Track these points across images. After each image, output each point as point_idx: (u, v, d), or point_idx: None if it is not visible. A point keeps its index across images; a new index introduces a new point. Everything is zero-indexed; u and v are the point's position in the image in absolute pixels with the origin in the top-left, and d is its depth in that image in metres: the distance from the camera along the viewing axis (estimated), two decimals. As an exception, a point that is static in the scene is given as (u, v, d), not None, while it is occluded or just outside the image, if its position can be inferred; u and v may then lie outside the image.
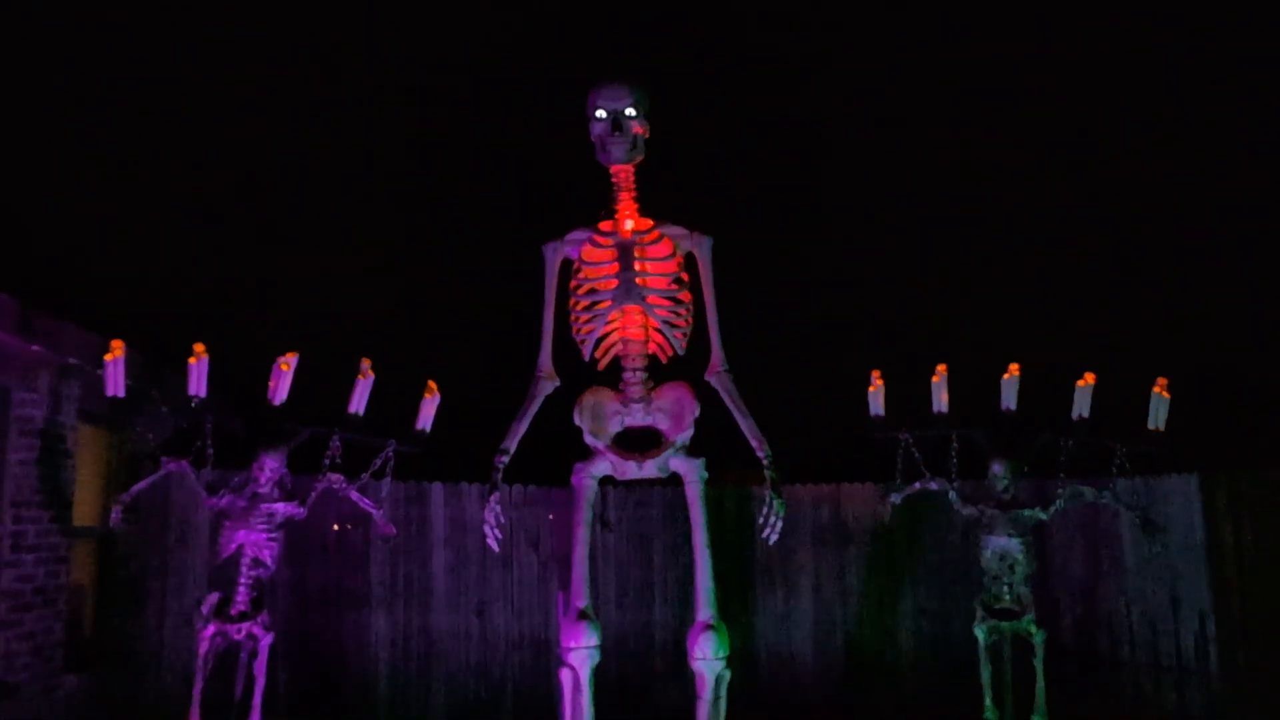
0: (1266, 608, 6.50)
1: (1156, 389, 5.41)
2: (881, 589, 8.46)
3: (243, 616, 5.16)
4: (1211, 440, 6.69)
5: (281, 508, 5.30)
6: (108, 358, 5.24)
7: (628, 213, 5.77)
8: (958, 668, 8.09)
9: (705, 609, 5.55)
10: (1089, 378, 5.48)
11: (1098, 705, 7.33)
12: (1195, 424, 5.79)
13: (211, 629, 5.11)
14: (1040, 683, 5.41)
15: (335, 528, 7.77)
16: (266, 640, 5.19)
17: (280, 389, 5.24)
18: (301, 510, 5.35)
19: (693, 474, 5.69)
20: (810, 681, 8.29)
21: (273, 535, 5.27)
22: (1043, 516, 5.53)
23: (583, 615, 5.42)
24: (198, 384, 5.13)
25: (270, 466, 5.24)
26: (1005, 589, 5.50)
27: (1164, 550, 5.84)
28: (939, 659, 8.25)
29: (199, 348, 5.18)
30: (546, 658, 7.94)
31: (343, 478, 5.40)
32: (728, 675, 5.45)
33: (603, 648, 5.43)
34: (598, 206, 5.82)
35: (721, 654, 5.42)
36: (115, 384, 5.23)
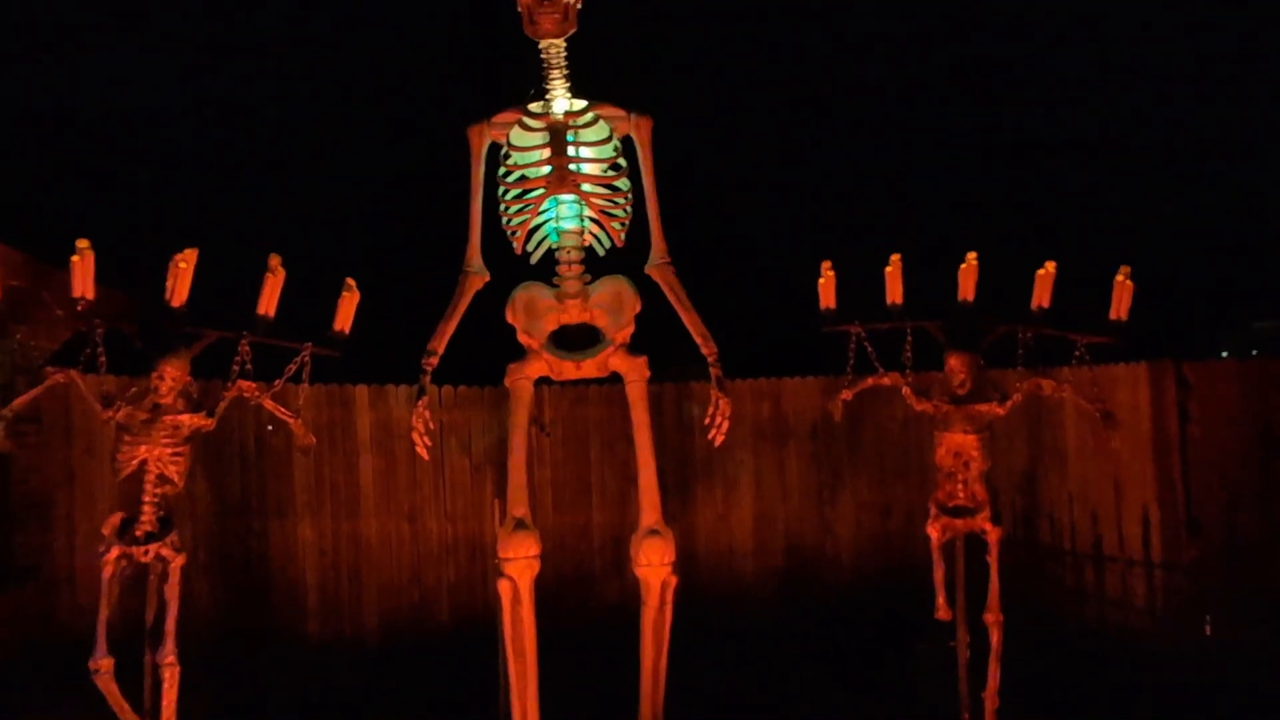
0: (1210, 498, 6.50)
1: (1120, 277, 5.19)
2: (821, 484, 8.37)
3: (150, 538, 4.73)
4: (1159, 329, 6.55)
5: (188, 419, 4.84)
6: (-23, 256, 4.69)
7: (559, 92, 5.28)
8: (899, 562, 8.12)
9: (649, 513, 5.29)
10: (1049, 266, 5.23)
11: (1044, 597, 7.35)
12: (1143, 313, 5.61)
13: (115, 552, 4.69)
14: (993, 580, 5.28)
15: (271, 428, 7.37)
16: (177, 562, 4.78)
17: (179, 289, 4.74)
18: (210, 421, 4.90)
19: (635, 373, 5.33)
20: (751, 579, 8.23)
21: (179, 450, 4.81)
22: (999, 411, 5.33)
23: (520, 524, 5.13)
24: (83, 285, 4.60)
25: (171, 375, 4.76)
26: (960, 486, 5.32)
27: (1120, 444, 5.71)
28: (880, 554, 8.23)
29: (83, 244, 4.63)
30: (481, 562, 7.74)
31: (254, 385, 4.95)
32: (674, 581, 5.23)
33: (541, 555, 5.18)
34: (527, 85, 5.33)
35: (667, 560, 5.19)
36: (-12, 286, 4.69)
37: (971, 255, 5.34)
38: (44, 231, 5.84)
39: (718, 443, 5.27)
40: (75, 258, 4.61)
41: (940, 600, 5.40)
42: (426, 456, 5.33)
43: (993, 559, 5.30)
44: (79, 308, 4.64)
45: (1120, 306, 5.22)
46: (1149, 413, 6.68)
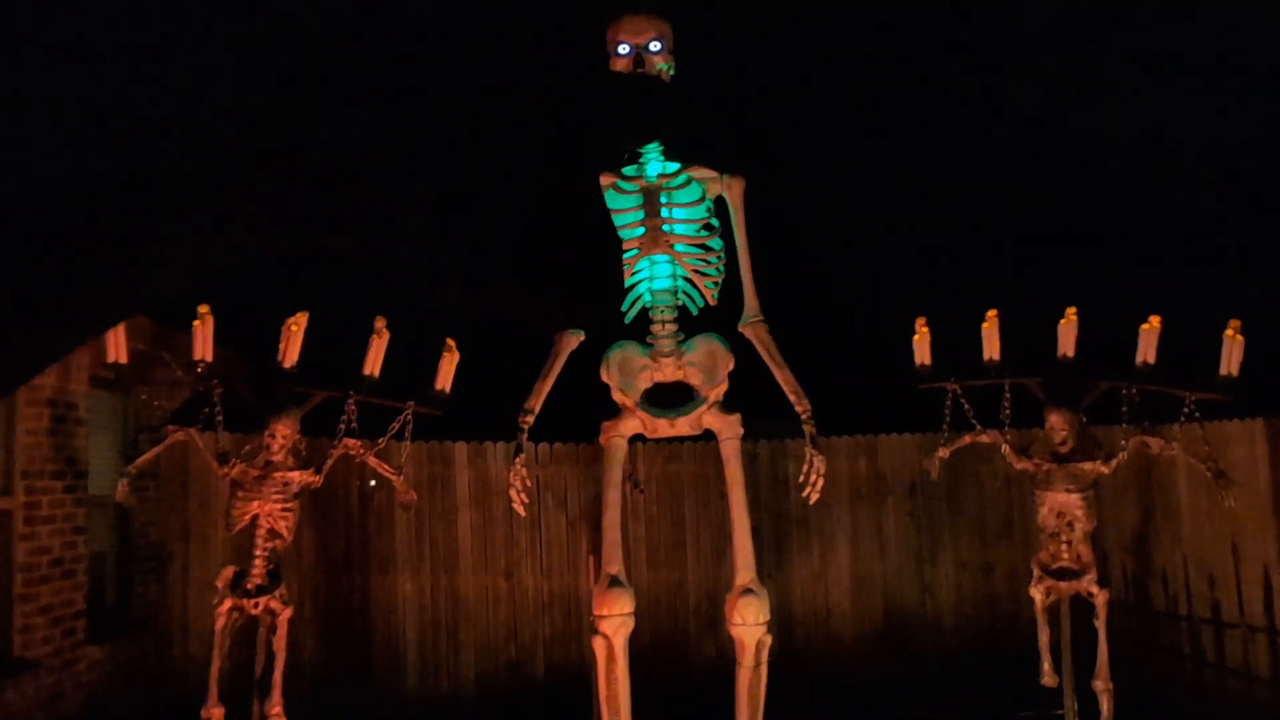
0: (1337, 559, 6.17)
1: (1229, 332, 5.04)
2: (920, 543, 8.20)
3: (259, 590, 4.93)
4: (1276, 383, 6.28)
5: (297, 476, 5.04)
6: (107, 322, 4.97)
7: (653, 155, 5.41)
8: (1002, 625, 7.90)
9: (744, 572, 5.27)
10: (1154, 321, 5.10)
11: (1157, 665, 7.04)
12: (1260, 366, 5.40)
13: (227, 604, 4.89)
14: (1102, 645, 5.11)
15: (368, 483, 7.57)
16: (285, 614, 4.97)
17: (291, 351, 4.97)
18: (318, 478, 5.10)
19: (728, 431, 5.36)
20: (848, 639, 8.07)
21: (288, 505, 5.01)
22: (1104, 470, 5.19)
23: (615, 582, 5.16)
24: (203, 348, 4.86)
25: (282, 434, 4.97)
26: (1064, 547, 5.18)
27: (1235, 503, 5.45)
28: (983, 616, 8.00)
29: (203, 310, 4.90)
30: (577, 619, 7.76)
31: (359, 442, 5.13)
32: (769, 641, 5.19)
33: (635, 613, 5.19)
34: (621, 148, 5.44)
35: (762, 619, 5.16)
36: (116, 349, 4.97)
37: (1071, 310, 5.25)
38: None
39: (812, 500, 5.25)
40: (196, 322, 4.87)
41: (1046, 666, 5.25)
42: (524, 513, 5.42)
43: (1101, 623, 5.13)
44: (199, 369, 4.88)
45: (1231, 362, 5.06)
46: (1268, 471, 6.38)
